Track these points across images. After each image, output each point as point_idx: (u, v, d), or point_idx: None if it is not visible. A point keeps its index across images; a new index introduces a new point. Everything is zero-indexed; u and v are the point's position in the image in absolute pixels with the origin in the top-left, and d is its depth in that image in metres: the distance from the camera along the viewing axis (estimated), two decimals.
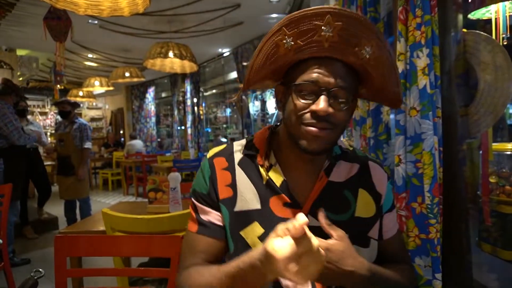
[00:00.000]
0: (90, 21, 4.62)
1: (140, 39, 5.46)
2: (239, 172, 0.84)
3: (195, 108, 8.17)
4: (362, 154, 0.91)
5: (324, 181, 0.82)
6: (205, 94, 8.29)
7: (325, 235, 0.77)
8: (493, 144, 1.54)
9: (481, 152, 1.51)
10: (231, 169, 0.85)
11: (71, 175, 4.26)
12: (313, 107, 0.72)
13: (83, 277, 1.64)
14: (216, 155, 0.88)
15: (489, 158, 1.52)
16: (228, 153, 0.87)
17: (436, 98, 1.22)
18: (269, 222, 0.79)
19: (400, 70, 1.28)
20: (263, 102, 5.94)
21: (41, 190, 4.81)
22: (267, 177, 0.82)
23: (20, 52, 6.30)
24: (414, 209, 1.25)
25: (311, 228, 0.77)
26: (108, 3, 2.83)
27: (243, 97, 6.21)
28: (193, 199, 0.87)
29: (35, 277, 0.80)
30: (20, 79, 6.64)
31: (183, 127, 8.82)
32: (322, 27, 0.69)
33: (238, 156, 0.86)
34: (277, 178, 0.82)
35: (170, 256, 1.21)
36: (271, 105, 5.93)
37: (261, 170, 0.83)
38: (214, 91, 8.19)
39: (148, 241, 1.26)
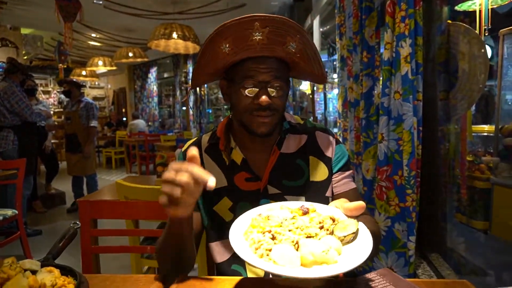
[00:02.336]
0: (95, 1, 4.70)
1: (144, 20, 5.52)
2: (206, 158, 1.01)
3: (197, 89, 8.27)
4: (311, 125, 1.04)
5: (277, 154, 0.97)
6: None
7: (282, 201, 0.93)
8: (473, 126, 1.69)
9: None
10: (199, 156, 1.02)
11: (78, 153, 4.44)
12: (256, 100, 0.88)
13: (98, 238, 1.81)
14: (188, 147, 1.05)
15: (468, 139, 1.68)
16: (197, 144, 1.05)
17: (417, 83, 1.37)
18: (236, 195, 0.97)
19: (386, 58, 1.42)
20: None
21: (49, 166, 5.00)
22: (229, 159, 0.99)
23: (24, 31, 6.37)
24: (395, 181, 1.42)
25: (271, 195, 0.96)
26: None
27: None
28: None
29: (75, 227, 0.96)
30: (25, 57, 6.73)
31: (184, 108, 8.94)
32: (253, 33, 0.82)
33: (205, 145, 1.04)
34: (237, 158, 0.98)
35: None
36: None
37: (223, 153, 1.00)
38: None
39: (160, 206, 1.43)
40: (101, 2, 4.81)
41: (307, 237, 0.67)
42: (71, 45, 4.01)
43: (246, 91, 0.89)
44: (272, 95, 0.89)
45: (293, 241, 0.65)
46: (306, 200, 0.95)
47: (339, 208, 0.76)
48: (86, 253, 1.41)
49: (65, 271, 0.77)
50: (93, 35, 6.78)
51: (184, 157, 1.04)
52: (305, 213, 0.76)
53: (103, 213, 1.45)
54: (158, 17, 5.29)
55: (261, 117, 0.89)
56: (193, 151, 0.68)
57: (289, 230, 0.69)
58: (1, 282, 0.66)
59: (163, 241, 0.87)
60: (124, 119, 10.87)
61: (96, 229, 1.43)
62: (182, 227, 0.79)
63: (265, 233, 0.67)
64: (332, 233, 0.69)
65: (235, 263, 0.96)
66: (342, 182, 0.99)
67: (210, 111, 8.83)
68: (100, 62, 6.74)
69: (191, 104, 8.35)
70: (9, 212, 2.86)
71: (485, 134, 1.74)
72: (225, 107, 8.39)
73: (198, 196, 0.70)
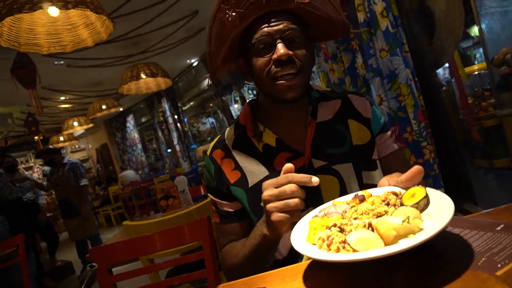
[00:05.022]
0: (56, 62, 4.64)
1: (110, 69, 5.49)
2: (237, 154, 0.93)
3: (178, 124, 8.21)
4: (340, 91, 1.00)
5: (314, 124, 0.89)
6: (184, 108, 8.34)
7: (331, 172, 0.87)
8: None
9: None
10: (229, 155, 0.94)
11: (76, 216, 4.28)
12: (274, 56, 0.78)
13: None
14: (213, 148, 0.97)
15: (465, 80, 1.63)
16: (222, 143, 0.96)
17: (399, 35, 1.34)
18: None
19: (362, 20, 1.40)
20: (243, 100, 6.01)
21: (48, 239, 4.81)
22: (261, 143, 0.90)
23: None
24: (406, 139, 1.37)
25: (317, 169, 0.87)
26: (69, 37, 2.84)
27: (223, 98, 6.28)
28: (209, 194, 1.00)
29: (92, 269, 0.87)
30: None
31: (169, 150, 8.85)
32: None
33: (230, 141, 0.95)
34: (271, 140, 0.89)
35: (201, 239, 1.28)
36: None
37: (253, 140, 0.91)
38: (192, 103, 8.25)
39: (178, 231, 1.34)
40: (62, 62, 4.76)
41: (378, 217, 0.58)
42: (42, 112, 3.89)
43: (262, 52, 0.80)
44: (293, 46, 0.80)
45: (365, 225, 0.56)
46: (354, 166, 0.88)
47: (393, 185, 0.68)
48: None
49: None
50: (62, 98, 6.70)
51: (211, 160, 0.95)
52: (362, 200, 0.67)
53: (118, 256, 1.35)
54: (123, 62, 5.26)
55: (287, 79, 0.80)
56: (288, 165, 0.69)
57: (354, 219, 0.60)
58: None
59: (246, 257, 0.83)
60: (113, 176, 10.65)
61: (115, 275, 1.32)
62: (276, 244, 0.79)
63: (331, 228, 0.58)
64: (402, 205, 0.60)
65: (294, 260, 0.86)
66: (387, 144, 0.95)
67: (196, 147, 8.69)
68: (76, 123, 6.62)
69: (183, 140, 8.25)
70: None
71: (476, 73, 1.72)
72: (209, 138, 8.31)
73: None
